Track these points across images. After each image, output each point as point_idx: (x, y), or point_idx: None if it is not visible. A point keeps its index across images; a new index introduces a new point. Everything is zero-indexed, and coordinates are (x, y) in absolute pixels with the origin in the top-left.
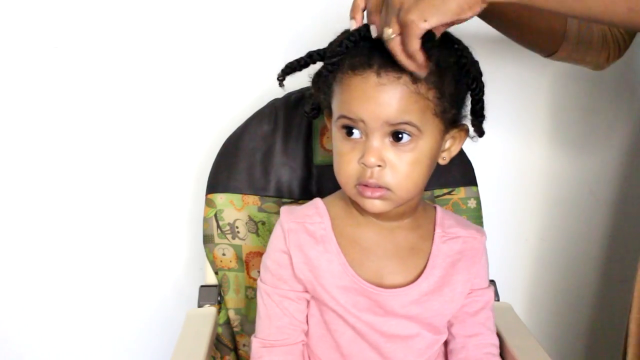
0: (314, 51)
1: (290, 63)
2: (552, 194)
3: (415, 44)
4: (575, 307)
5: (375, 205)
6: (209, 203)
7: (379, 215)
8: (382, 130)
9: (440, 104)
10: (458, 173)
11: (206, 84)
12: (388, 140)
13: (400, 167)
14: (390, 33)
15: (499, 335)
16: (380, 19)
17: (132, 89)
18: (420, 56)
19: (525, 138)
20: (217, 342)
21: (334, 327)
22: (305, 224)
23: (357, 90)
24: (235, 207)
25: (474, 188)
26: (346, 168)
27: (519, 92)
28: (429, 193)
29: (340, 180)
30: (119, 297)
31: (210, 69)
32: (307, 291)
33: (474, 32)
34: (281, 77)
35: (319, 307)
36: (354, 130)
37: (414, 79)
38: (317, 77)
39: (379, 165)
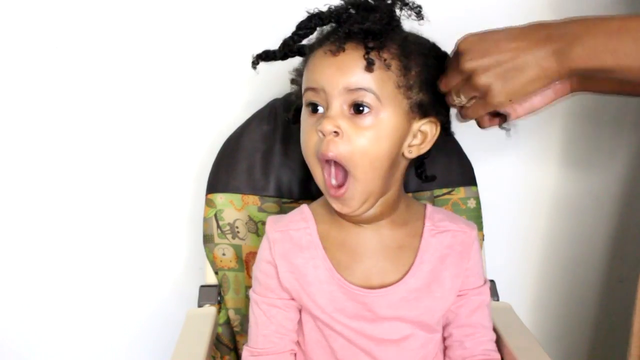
0: (288, 37)
1: (267, 50)
2: (553, 193)
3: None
4: (577, 307)
5: (345, 205)
6: (209, 203)
7: (357, 220)
8: (341, 98)
9: (405, 79)
10: (458, 173)
11: (206, 84)
12: (348, 111)
13: (358, 141)
14: (462, 101)
15: (499, 335)
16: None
17: (132, 89)
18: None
19: (526, 138)
20: (217, 342)
21: (327, 332)
22: (290, 232)
23: (321, 59)
24: (235, 207)
25: (473, 188)
26: (308, 142)
27: None
28: (428, 193)
29: (306, 156)
30: (119, 297)
31: (210, 69)
32: (294, 299)
33: None
34: (255, 61)
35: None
36: (317, 107)
37: (376, 46)
38: (294, 72)
39: (336, 133)
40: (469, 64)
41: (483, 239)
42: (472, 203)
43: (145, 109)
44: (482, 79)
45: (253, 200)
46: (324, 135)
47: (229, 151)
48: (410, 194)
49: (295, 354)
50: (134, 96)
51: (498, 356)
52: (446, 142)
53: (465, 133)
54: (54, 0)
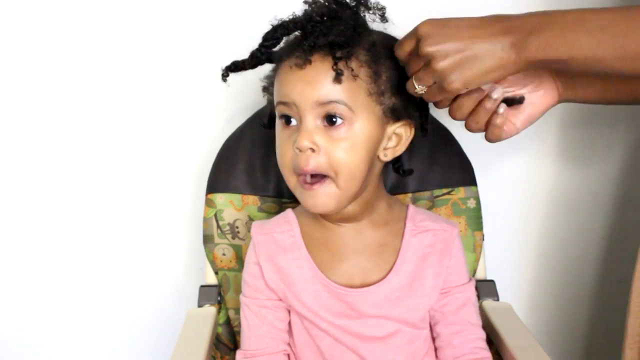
0: (255, 49)
1: (236, 61)
2: (552, 194)
3: (446, 104)
4: (575, 308)
5: (318, 202)
6: (209, 203)
7: (336, 219)
8: (313, 111)
9: (376, 85)
10: (457, 173)
11: (206, 84)
12: (321, 123)
13: (335, 153)
14: (423, 89)
15: (499, 335)
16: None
17: (132, 89)
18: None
19: (526, 138)
20: (217, 342)
21: (314, 332)
22: (274, 234)
23: (290, 72)
24: (235, 207)
25: (473, 188)
26: (283, 156)
27: None
28: (428, 193)
29: (281, 168)
30: (119, 297)
31: (210, 68)
32: (281, 300)
33: None
34: (225, 73)
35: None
36: (291, 119)
37: (343, 56)
38: (265, 80)
39: (312, 150)
40: (428, 49)
41: (483, 239)
42: (472, 203)
43: (145, 110)
44: (440, 65)
45: (253, 200)
46: (300, 151)
47: (229, 151)
48: (409, 194)
49: (288, 355)
50: (134, 97)
51: (488, 354)
52: (446, 142)
53: (465, 133)
54: (54, 1)
